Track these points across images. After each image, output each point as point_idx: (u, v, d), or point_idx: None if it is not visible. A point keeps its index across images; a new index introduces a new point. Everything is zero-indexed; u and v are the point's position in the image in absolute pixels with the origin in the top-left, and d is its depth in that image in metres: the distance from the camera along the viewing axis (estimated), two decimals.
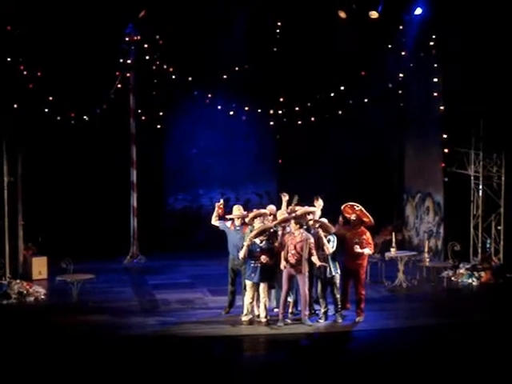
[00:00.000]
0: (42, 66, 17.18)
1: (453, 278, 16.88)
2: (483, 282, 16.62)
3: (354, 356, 12.41)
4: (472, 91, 16.79)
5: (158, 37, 18.34)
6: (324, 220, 13.73)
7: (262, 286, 13.54)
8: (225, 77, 18.84)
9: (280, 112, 19.30)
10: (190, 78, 18.64)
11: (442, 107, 17.66)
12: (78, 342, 12.63)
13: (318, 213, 14.04)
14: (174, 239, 20.02)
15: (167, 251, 19.40)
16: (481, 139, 17.19)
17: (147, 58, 18.39)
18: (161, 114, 19.27)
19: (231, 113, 19.15)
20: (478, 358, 11.95)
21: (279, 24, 18.70)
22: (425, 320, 13.98)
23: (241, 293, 14.01)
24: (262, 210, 13.97)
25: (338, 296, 13.67)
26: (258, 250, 13.43)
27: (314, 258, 13.31)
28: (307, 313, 13.58)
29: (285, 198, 14.10)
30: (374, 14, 17.05)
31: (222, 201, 14.47)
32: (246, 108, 19.16)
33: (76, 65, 17.76)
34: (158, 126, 19.38)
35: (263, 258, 13.37)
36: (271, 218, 13.96)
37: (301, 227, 13.40)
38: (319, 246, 13.44)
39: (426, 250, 16.93)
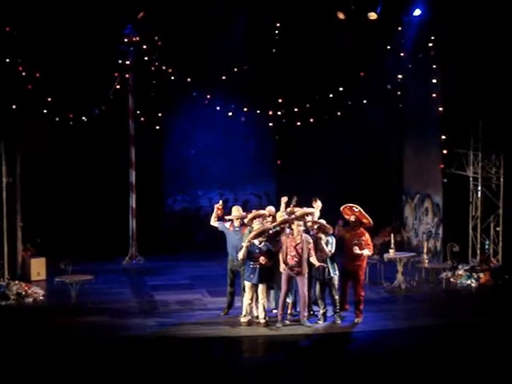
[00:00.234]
0: (41, 66, 17.16)
1: (452, 279, 16.89)
2: (482, 283, 16.62)
3: (352, 357, 12.42)
4: (471, 92, 16.80)
5: (156, 38, 18.32)
6: (322, 221, 13.73)
7: (261, 287, 13.54)
8: (224, 78, 18.83)
9: (279, 113, 19.28)
10: (188, 79, 18.63)
11: (440, 108, 17.66)
12: (76, 343, 12.63)
13: (317, 214, 14.05)
14: (172, 240, 20.01)
15: (166, 252, 19.40)
16: (480, 140, 17.20)
17: (146, 58, 18.38)
18: (160, 114, 19.25)
19: (230, 114, 19.14)
20: (476, 358, 11.96)
21: (278, 25, 18.69)
22: (423, 321, 13.99)
23: (240, 294, 14.01)
24: (261, 211, 13.99)
25: (337, 297, 13.67)
26: (257, 251, 13.44)
27: (313, 259, 13.32)
28: (306, 314, 13.58)
29: (284, 199, 14.10)
30: (372, 15, 17.05)
31: (221, 202, 14.47)
32: (245, 109, 19.15)
33: (75, 66, 17.74)
34: (157, 127, 19.36)
35: (262, 259, 13.37)
36: (270, 219, 13.96)
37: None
38: (317, 247, 13.44)
39: (425, 251, 16.94)
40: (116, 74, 18.32)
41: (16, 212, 16.67)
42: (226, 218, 14.16)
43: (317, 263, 13.33)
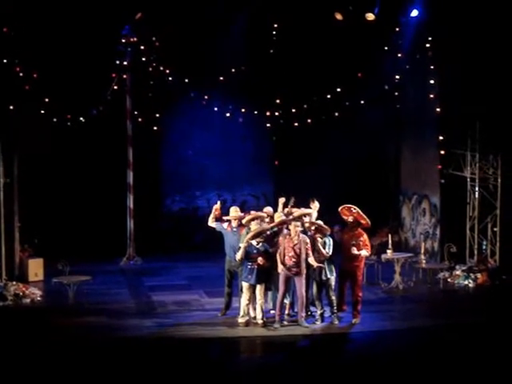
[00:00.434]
0: (39, 67, 17.16)
1: (449, 280, 16.90)
2: (479, 283, 16.64)
3: (350, 357, 12.42)
4: (468, 93, 16.83)
5: (154, 38, 18.33)
6: (320, 222, 13.74)
7: (259, 288, 13.54)
8: (221, 78, 18.86)
9: (277, 114, 19.28)
10: (186, 80, 18.63)
11: (438, 109, 17.68)
12: (74, 344, 12.62)
13: (315, 215, 14.05)
14: (170, 241, 20.01)
15: (164, 253, 19.40)
16: (477, 141, 17.21)
17: (144, 59, 18.39)
18: (157, 115, 19.25)
19: (228, 114, 19.14)
20: (473, 359, 11.97)
21: (276, 26, 18.71)
22: (421, 321, 14.00)
23: (237, 294, 14.01)
24: (260, 213, 13.97)
25: (334, 298, 13.67)
26: (255, 251, 13.44)
27: (311, 260, 13.33)
28: (304, 314, 13.58)
29: (281, 200, 14.10)
30: (370, 16, 17.07)
31: (219, 203, 14.47)
32: (243, 110, 19.15)
33: (72, 66, 17.76)
34: (155, 128, 19.35)
35: (260, 260, 13.37)
36: (268, 220, 13.96)
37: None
38: (315, 249, 13.45)
39: (423, 251, 16.95)
40: (114, 75, 18.33)
41: (13, 213, 16.65)
42: (224, 218, 14.16)
43: (315, 264, 13.34)
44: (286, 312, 13.85)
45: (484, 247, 17.51)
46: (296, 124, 19.25)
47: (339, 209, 14.02)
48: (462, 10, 16.61)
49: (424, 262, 16.86)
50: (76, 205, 19.20)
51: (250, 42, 18.60)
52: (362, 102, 18.94)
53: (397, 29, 18.07)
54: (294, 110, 19.08)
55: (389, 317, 14.26)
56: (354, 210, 13.90)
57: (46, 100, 17.59)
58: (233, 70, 18.97)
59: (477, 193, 17.38)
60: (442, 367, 11.62)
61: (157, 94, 18.97)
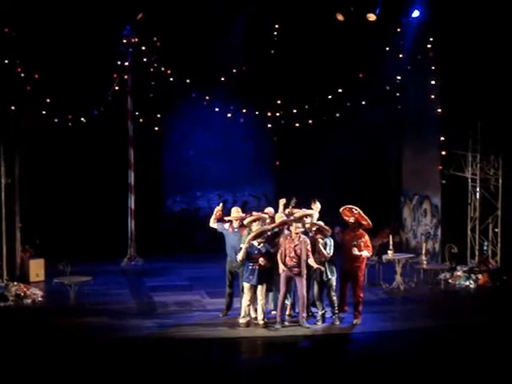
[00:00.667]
0: (40, 67, 17.16)
1: (450, 281, 16.90)
2: (480, 284, 16.63)
3: (351, 358, 12.41)
4: (469, 93, 16.82)
5: (155, 39, 18.34)
6: (321, 223, 13.74)
7: (260, 289, 13.54)
8: (222, 79, 18.86)
9: (278, 114, 19.29)
10: (187, 80, 18.64)
11: (439, 109, 17.69)
12: (75, 344, 12.62)
13: (316, 215, 14.05)
14: (171, 241, 20.01)
15: (165, 253, 19.40)
16: (478, 141, 17.21)
17: (145, 60, 18.40)
18: (158, 116, 19.26)
19: (229, 115, 19.14)
20: (475, 360, 11.96)
21: (277, 26, 18.71)
22: (422, 322, 13.99)
23: (238, 295, 14.01)
24: (262, 214, 13.95)
25: (335, 298, 13.67)
26: (256, 252, 13.43)
27: (311, 261, 13.32)
28: (305, 315, 13.57)
29: (282, 201, 14.09)
30: (371, 17, 17.07)
31: (221, 205, 14.48)
32: (244, 110, 19.16)
33: (74, 67, 17.77)
34: (156, 128, 19.36)
35: (261, 261, 13.37)
36: (269, 220, 13.95)
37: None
38: (315, 249, 13.45)
39: (424, 252, 16.94)
40: (115, 75, 18.33)
41: (15, 213, 16.66)
42: (226, 219, 14.16)
43: (315, 265, 13.33)
44: (287, 313, 13.85)
45: (485, 248, 17.50)
46: (297, 124, 19.26)
47: (340, 210, 14.01)
48: (463, 10, 16.61)
49: (425, 262, 16.85)
50: (77, 205, 19.20)
51: (250, 42, 18.60)
52: (364, 102, 18.95)
53: (398, 29, 18.08)
54: (295, 111, 19.09)
55: (390, 317, 14.26)
56: (355, 211, 13.89)
57: (48, 100, 17.59)
58: (234, 71, 18.98)
59: (478, 193, 17.38)
60: (443, 368, 11.61)
61: (158, 94, 18.97)
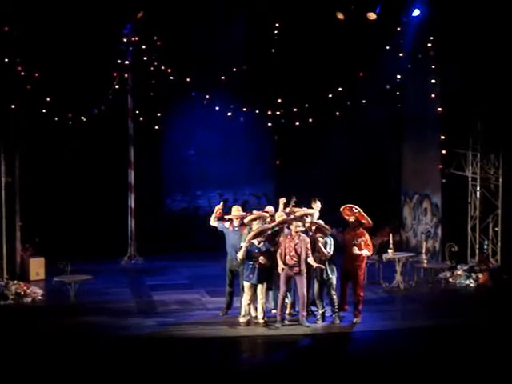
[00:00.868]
0: (40, 66, 17.16)
1: (450, 280, 16.90)
2: (481, 283, 16.62)
3: (351, 357, 12.41)
4: (470, 92, 16.82)
5: (155, 38, 18.33)
6: (320, 222, 13.73)
7: (260, 287, 13.54)
8: (223, 78, 18.85)
9: (278, 113, 19.29)
10: (188, 79, 18.64)
11: (439, 108, 17.68)
12: (75, 343, 12.61)
13: (316, 214, 14.05)
14: (171, 240, 20.02)
15: (165, 252, 19.41)
16: (478, 140, 17.22)
17: (145, 58, 18.39)
18: (159, 114, 19.26)
19: (229, 114, 19.14)
20: (475, 359, 11.95)
21: (277, 25, 18.70)
22: (422, 321, 13.98)
23: (239, 294, 14.00)
24: (262, 213, 13.94)
25: (335, 297, 13.66)
26: (256, 251, 13.43)
27: (311, 260, 13.32)
28: (305, 314, 13.57)
29: (282, 200, 14.08)
30: (371, 16, 17.06)
31: (222, 203, 14.48)
32: (244, 109, 19.14)
33: (74, 65, 17.77)
34: (156, 127, 19.36)
35: (261, 259, 13.36)
36: (269, 219, 13.94)
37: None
38: (315, 248, 13.45)
39: (424, 251, 16.94)
40: (115, 74, 18.33)
41: (15, 212, 16.66)
42: (226, 217, 14.16)
43: (314, 264, 13.32)
44: (287, 311, 13.84)
45: (485, 247, 17.50)
46: (297, 123, 19.24)
47: (341, 209, 14.00)
48: (463, 9, 16.60)
49: (425, 261, 16.86)
50: (77, 204, 19.22)
51: (251, 41, 18.61)
52: (364, 101, 18.94)
53: (398, 28, 18.06)
54: (295, 110, 19.08)
55: (390, 316, 14.25)
56: (355, 210, 13.88)
57: (48, 99, 17.60)
58: (234, 70, 18.97)
59: (478, 192, 17.38)
60: (443, 367, 11.60)
61: (158, 93, 18.97)
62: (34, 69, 17.08)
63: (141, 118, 19.11)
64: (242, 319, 13.71)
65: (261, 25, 18.54)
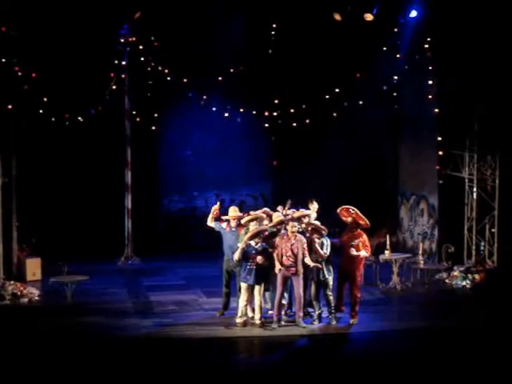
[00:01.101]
0: (37, 67, 17.16)
1: (447, 281, 16.91)
2: (477, 284, 16.64)
3: (348, 358, 12.41)
4: (467, 93, 16.84)
5: (152, 38, 18.34)
6: (317, 223, 13.74)
7: (257, 288, 13.54)
8: (220, 78, 18.85)
9: (275, 114, 19.29)
10: (184, 80, 18.63)
11: (436, 109, 17.69)
12: (72, 344, 12.61)
13: (314, 215, 14.05)
14: (168, 241, 20.03)
15: (162, 253, 19.42)
16: (475, 142, 17.23)
17: (142, 59, 18.39)
18: (155, 115, 19.27)
19: (226, 114, 19.14)
20: (471, 360, 11.96)
21: (274, 26, 18.71)
22: (419, 322, 13.99)
23: (235, 295, 14.01)
24: (259, 214, 13.95)
25: (331, 298, 13.67)
26: (253, 251, 13.43)
27: (307, 260, 13.32)
28: (302, 314, 13.57)
29: (280, 208, 14.10)
30: (369, 17, 17.08)
31: (218, 203, 14.48)
32: (241, 110, 19.15)
33: (71, 66, 17.76)
34: (153, 128, 19.36)
35: (259, 259, 13.35)
36: (267, 220, 13.95)
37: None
38: (312, 249, 13.45)
39: (421, 252, 16.95)
40: (112, 75, 18.34)
41: (11, 212, 16.65)
42: (223, 217, 14.16)
43: (311, 264, 13.33)
44: (284, 312, 13.83)
45: (482, 248, 17.52)
46: (294, 124, 19.25)
47: (338, 210, 14.01)
48: (460, 10, 16.61)
49: (422, 262, 16.86)
50: (74, 204, 19.21)
51: (248, 42, 18.61)
52: (361, 102, 18.95)
53: (395, 29, 18.07)
54: (292, 110, 19.09)
55: (386, 317, 14.26)
56: (352, 211, 13.89)
57: (45, 99, 17.59)
58: (231, 70, 18.97)
59: (475, 193, 17.40)
60: (439, 368, 11.61)
61: (155, 93, 18.98)
62: (31, 69, 17.08)
63: (138, 119, 19.11)
64: (238, 320, 13.70)
65: (258, 26, 18.55)
